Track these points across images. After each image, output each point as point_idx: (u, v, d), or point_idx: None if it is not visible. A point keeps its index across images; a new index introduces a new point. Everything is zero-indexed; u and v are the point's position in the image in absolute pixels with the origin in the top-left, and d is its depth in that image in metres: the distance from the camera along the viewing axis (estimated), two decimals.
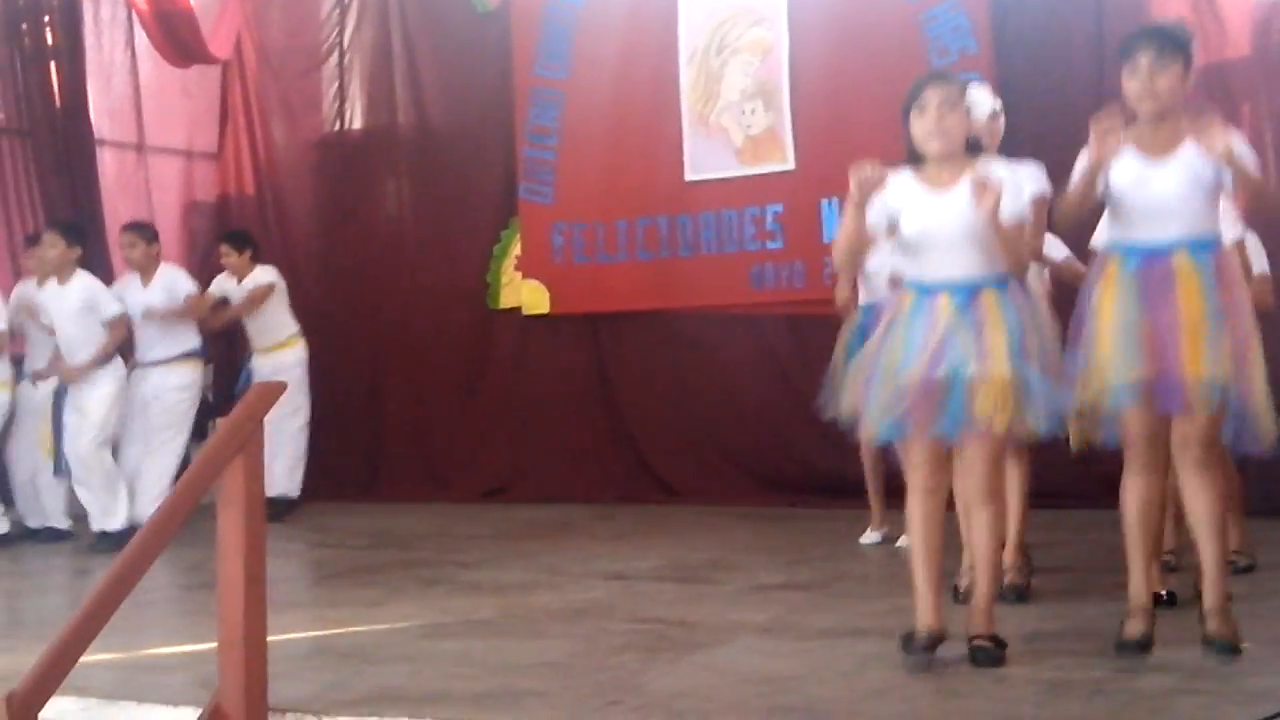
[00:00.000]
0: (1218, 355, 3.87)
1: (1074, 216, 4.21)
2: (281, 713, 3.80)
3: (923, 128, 4.11)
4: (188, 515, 3.81)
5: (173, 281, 7.80)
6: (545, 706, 3.78)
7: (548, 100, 8.78)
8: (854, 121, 7.63)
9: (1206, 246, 3.99)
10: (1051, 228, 4.63)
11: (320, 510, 8.50)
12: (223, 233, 8.80)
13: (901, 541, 6.31)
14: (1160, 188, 4.00)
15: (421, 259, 9.24)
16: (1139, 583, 4.12)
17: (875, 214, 4.19)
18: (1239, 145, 3.95)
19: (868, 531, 6.56)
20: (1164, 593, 4.65)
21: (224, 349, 8.54)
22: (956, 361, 4.02)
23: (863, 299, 6.06)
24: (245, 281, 8.28)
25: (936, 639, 4.08)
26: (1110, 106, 4.08)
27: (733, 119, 8.30)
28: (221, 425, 3.80)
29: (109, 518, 7.34)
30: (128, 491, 7.48)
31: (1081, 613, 4.81)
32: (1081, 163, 4.12)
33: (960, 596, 4.79)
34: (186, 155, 9.47)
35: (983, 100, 4.24)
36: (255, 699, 3.69)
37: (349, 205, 9.49)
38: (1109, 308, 4.01)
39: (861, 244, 4.23)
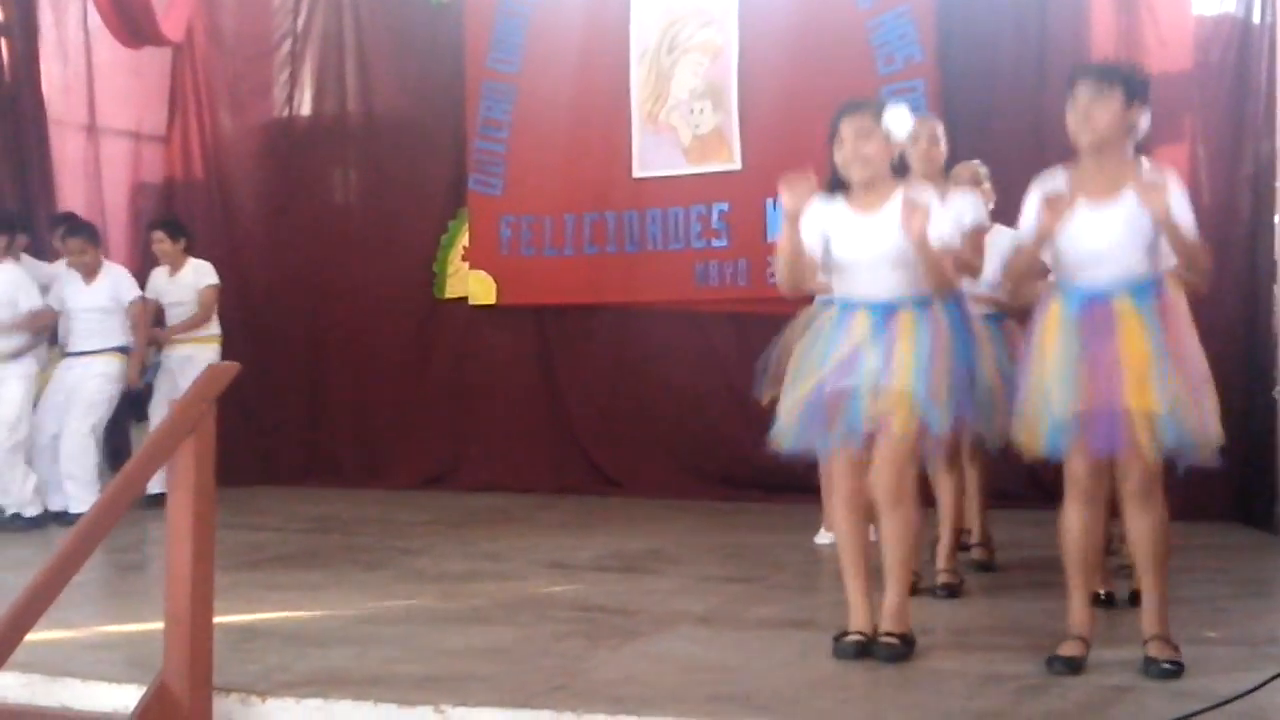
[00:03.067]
0: (1168, 393, 3.86)
1: (1021, 278, 4.25)
2: (225, 693, 3.82)
3: (841, 158, 4.24)
4: (136, 497, 3.84)
5: (116, 284, 7.74)
6: (489, 690, 3.82)
7: (499, 93, 8.81)
8: (800, 124, 7.69)
9: (1148, 288, 3.98)
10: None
11: (261, 495, 8.48)
12: (159, 218, 8.63)
13: (818, 538, 6.50)
14: (1101, 233, 4.00)
15: (368, 247, 9.23)
16: (1077, 609, 4.12)
17: (810, 235, 4.30)
18: (1178, 204, 3.95)
19: (821, 532, 6.63)
20: (1102, 593, 4.77)
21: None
22: (861, 375, 4.14)
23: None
24: (179, 274, 8.13)
25: (868, 640, 4.19)
26: (1054, 171, 4.13)
27: (681, 118, 8.38)
28: (173, 407, 3.83)
29: (25, 506, 7.34)
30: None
31: (1017, 609, 4.92)
32: (1031, 205, 4.14)
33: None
34: (135, 137, 9.38)
35: (901, 121, 4.29)
36: (200, 678, 3.72)
37: (296, 192, 9.45)
38: (1050, 345, 4.05)
39: (798, 259, 4.27)
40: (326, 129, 9.49)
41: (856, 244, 4.24)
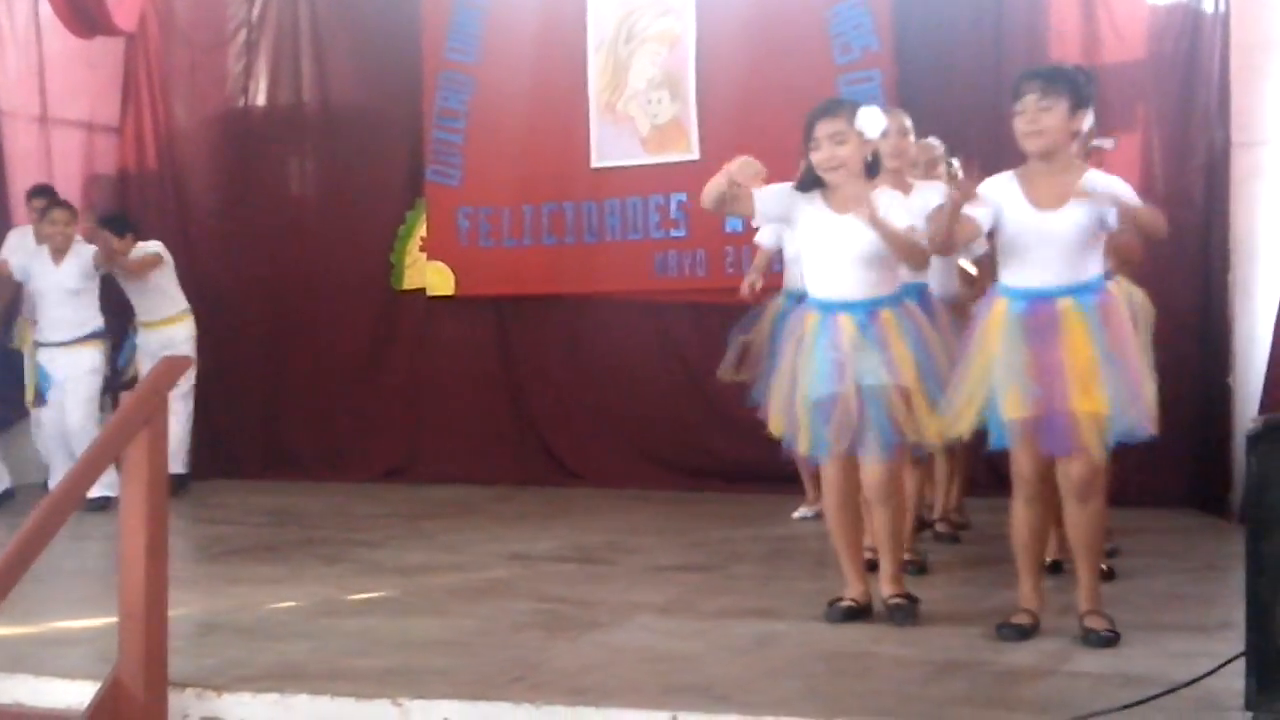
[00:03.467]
0: (1114, 395, 4.01)
1: (942, 241, 4.30)
2: (181, 688, 3.80)
3: (817, 160, 4.39)
4: (88, 490, 3.81)
5: (85, 258, 7.70)
6: (447, 683, 3.82)
7: (456, 84, 8.76)
8: (758, 113, 7.72)
9: (1090, 290, 4.12)
10: None
11: (218, 488, 8.43)
12: (104, 214, 8.53)
13: (797, 512, 6.67)
14: (1045, 236, 4.13)
15: (325, 238, 9.15)
16: (1027, 591, 4.34)
17: (771, 205, 4.48)
18: (1124, 191, 4.12)
19: (801, 508, 6.68)
20: (1048, 560, 4.87)
21: (109, 321, 8.34)
22: (865, 373, 4.31)
23: (786, 284, 6.15)
24: (133, 252, 8.11)
25: (859, 605, 4.51)
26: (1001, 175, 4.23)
27: (639, 107, 8.36)
28: (126, 399, 3.80)
29: None
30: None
31: (975, 595, 4.96)
32: (982, 200, 4.23)
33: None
34: (88, 128, 9.27)
35: (874, 122, 4.38)
36: (155, 673, 3.70)
37: (252, 183, 9.36)
38: (994, 346, 4.17)
39: (720, 196, 4.43)
40: (282, 120, 9.40)
41: (832, 242, 4.40)
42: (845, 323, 4.35)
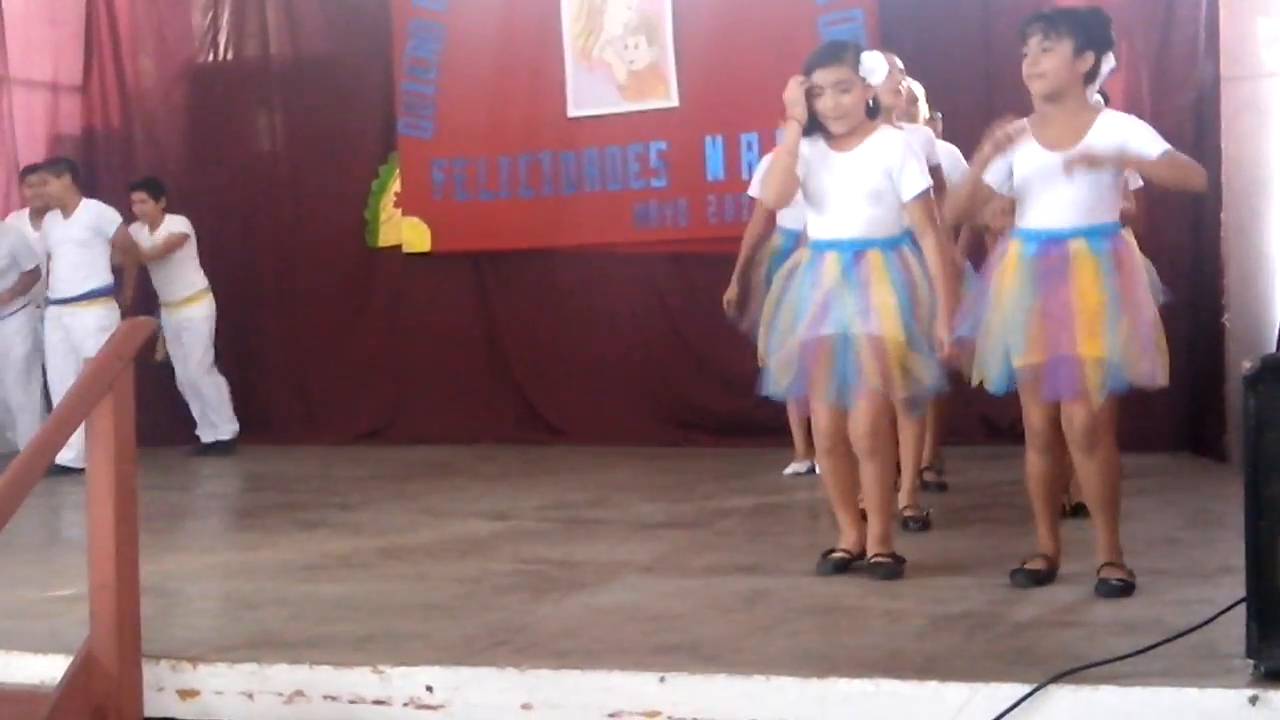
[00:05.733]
0: (1116, 339, 3.93)
1: (963, 209, 4.36)
2: (156, 660, 3.72)
3: (822, 109, 4.30)
4: (52, 458, 3.70)
5: (98, 216, 7.69)
6: (429, 648, 3.73)
7: (427, 33, 8.60)
8: (738, 58, 7.60)
9: (1104, 233, 4.03)
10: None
11: (193, 453, 8.35)
12: (134, 180, 8.55)
13: (789, 469, 6.58)
14: (1052, 178, 4.02)
15: (297, 195, 9.04)
16: (1043, 535, 4.27)
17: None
18: (1141, 139, 3.98)
19: (792, 464, 6.59)
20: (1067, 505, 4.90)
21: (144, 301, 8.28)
22: (843, 322, 4.24)
23: (780, 222, 6.03)
24: (158, 232, 8.20)
25: (851, 555, 4.45)
26: (1006, 119, 4.10)
27: (615, 54, 8.21)
28: (87, 365, 3.71)
29: None
30: None
31: (967, 546, 4.90)
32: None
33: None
34: (52, 87, 9.12)
35: (878, 66, 4.33)
36: (128, 646, 3.62)
37: (221, 140, 9.24)
38: (1006, 288, 4.09)
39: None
40: (250, 74, 9.27)
41: (833, 179, 4.34)
42: (830, 262, 4.30)
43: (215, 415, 8.40)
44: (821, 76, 4.27)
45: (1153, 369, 3.97)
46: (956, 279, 4.35)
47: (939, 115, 6.05)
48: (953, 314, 4.21)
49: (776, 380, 4.40)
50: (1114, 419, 4.08)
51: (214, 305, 8.33)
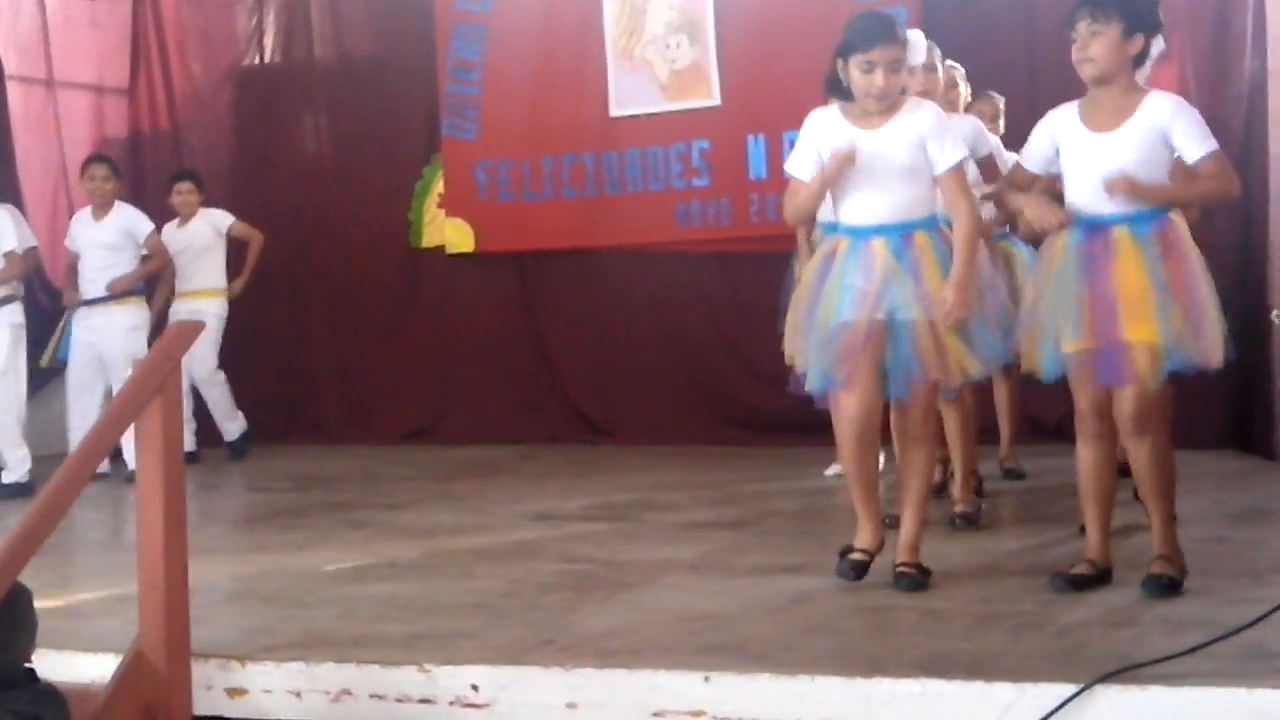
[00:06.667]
0: (1167, 325, 3.87)
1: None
2: (205, 658, 3.74)
3: (866, 85, 4.13)
4: (102, 460, 3.74)
5: (131, 222, 7.64)
6: (476, 647, 3.74)
7: (470, 34, 8.62)
8: (780, 55, 7.57)
9: (1149, 217, 3.97)
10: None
11: (252, 442, 8.38)
12: (178, 170, 8.59)
13: (830, 470, 6.50)
14: (1103, 163, 3.98)
15: (342, 197, 9.08)
16: (1092, 537, 4.19)
17: (805, 155, 4.25)
18: (1185, 129, 3.93)
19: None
20: None
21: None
22: (900, 307, 4.11)
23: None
24: (190, 224, 8.17)
25: (871, 555, 4.27)
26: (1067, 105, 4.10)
27: (657, 53, 8.20)
28: (138, 366, 3.72)
29: (6, 471, 7.15)
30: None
31: (1010, 546, 4.87)
32: (1039, 132, 4.15)
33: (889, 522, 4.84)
34: (97, 90, 9.19)
35: (920, 46, 4.29)
36: (177, 644, 3.64)
37: (266, 142, 9.29)
38: (1053, 274, 4.06)
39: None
40: (296, 77, 9.31)
41: (869, 160, 4.14)
42: (879, 248, 4.14)
43: (223, 416, 8.29)
44: (879, 53, 4.08)
45: (1207, 350, 3.91)
46: (974, 250, 4.21)
47: (994, 95, 5.98)
48: (967, 283, 4.08)
49: (820, 372, 4.19)
50: (1165, 406, 4.03)
51: (227, 308, 8.21)
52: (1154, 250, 3.93)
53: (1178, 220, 4.02)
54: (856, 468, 4.28)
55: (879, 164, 4.14)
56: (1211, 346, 3.93)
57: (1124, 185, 3.90)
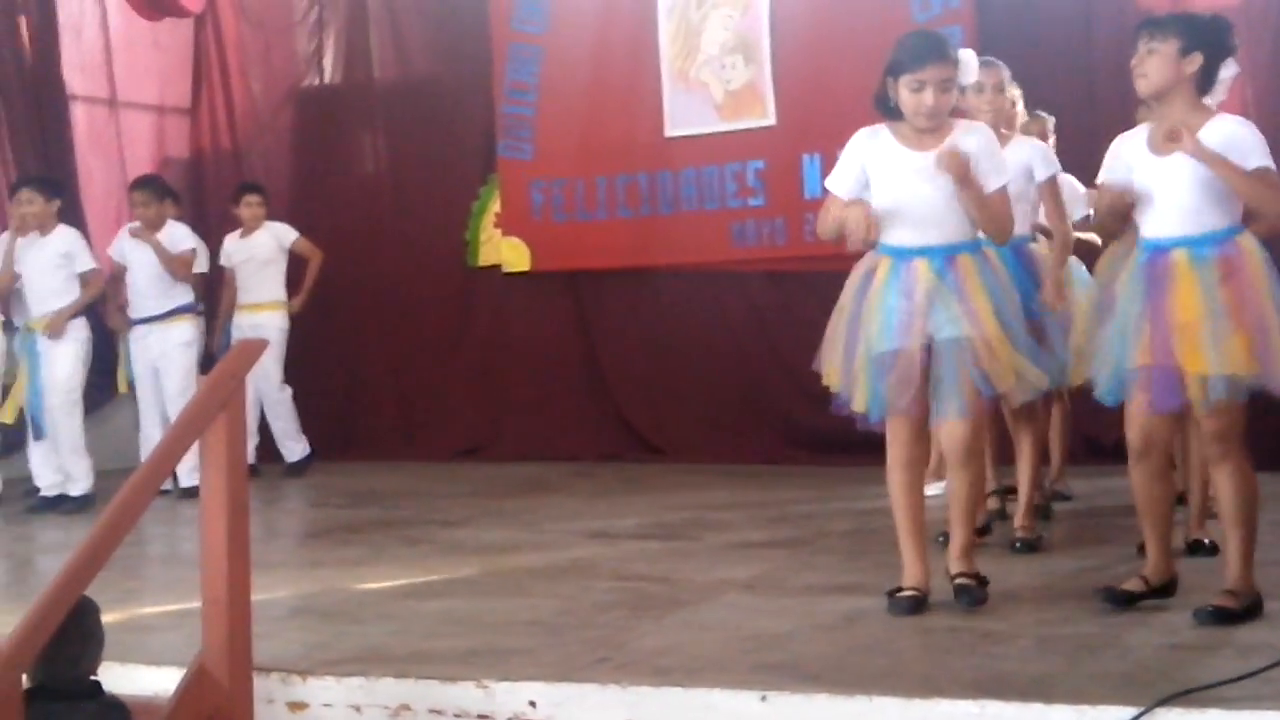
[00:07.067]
0: (1222, 353, 3.82)
1: (1107, 218, 4.23)
2: (266, 673, 3.78)
3: (915, 104, 4.10)
4: (166, 476, 3.78)
5: (174, 239, 7.67)
6: (531, 664, 3.76)
7: (526, 56, 8.69)
8: (835, 75, 7.57)
9: (1210, 241, 3.92)
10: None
11: (309, 466, 8.43)
12: (241, 183, 8.71)
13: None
14: (1160, 185, 3.98)
15: (399, 216, 9.17)
16: (1150, 554, 4.15)
17: (846, 172, 4.25)
18: (1239, 148, 3.88)
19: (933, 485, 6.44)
20: (1206, 540, 4.78)
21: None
22: (947, 327, 4.08)
23: None
24: (252, 236, 8.27)
25: (922, 592, 4.19)
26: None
27: (713, 73, 8.23)
28: (203, 383, 3.77)
29: (71, 483, 7.24)
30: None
31: (1070, 567, 4.83)
32: (1112, 153, 4.14)
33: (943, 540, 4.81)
34: (159, 110, 9.33)
35: (972, 66, 4.18)
36: (239, 658, 3.67)
37: (326, 161, 9.40)
38: (1118, 297, 4.04)
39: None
40: (355, 98, 9.42)
41: (910, 183, 4.13)
42: (922, 268, 4.11)
43: (285, 434, 8.35)
44: (931, 72, 4.06)
45: (1272, 376, 3.85)
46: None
47: (1044, 115, 5.97)
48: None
49: (865, 398, 4.17)
50: (1240, 432, 3.94)
51: (288, 321, 8.29)
52: (1213, 275, 3.87)
53: (1246, 243, 3.94)
54: (904, 498, 4.25)
55: (927, 186, 4.11)
56: (1277, 373, 3.85)
57: (1188, 144, 3.84)
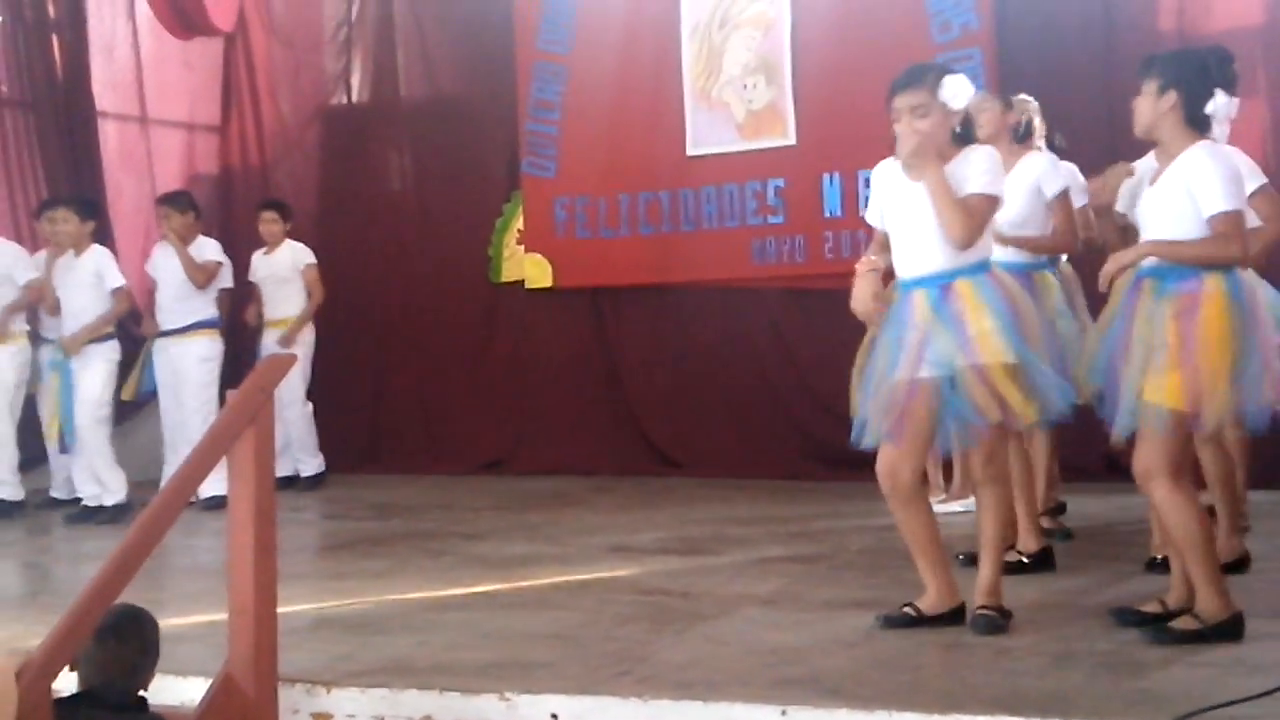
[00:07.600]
0: (1161, 383, 3.84)
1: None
2: (291, 683, 3.82)
3: (898, 134, 4.16)
4: (195, 489, 3.83)
5: (202, 252, 7.74)
6: (554, 677, 3.80)
7: (550, 74, 8.76)
8: (855, 96, 7.60)
9: (1178, 275, 3.92)
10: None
11: (324, 482, 8.50)
12: (263, 200, 8.79)
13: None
14: (1146, 214, 4.07)
15: (424, 232, 9.24)
16: (1173, 577, 4.17)
17: (873, 204, 4.37)
18: (1203, 183, 3.88)
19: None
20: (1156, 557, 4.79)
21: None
22: (944, 361, 4.07)
23: None
24: (275, 254, 8.36)
25: (920, 615, 4.25)
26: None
27: (734, 94, 8.29)
28: (232, 397, 3.82)
29: (106, 494, 7.32)
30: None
31: (1088, 585, 4.85)
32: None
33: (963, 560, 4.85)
34: (188, 128, 9.42)
35: (960, 90, 4.16)
36: (265, 669, 3.71)
37: (352, 178, 9.46)
38: (1105, 317, 4.15)
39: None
40: (381, 116, 9.50)
41: (908, 212, 4.18)
42: (919, 301, 4.13)
43: (302, 448, 8.41)
44: (899, 101, 4.13)
45: (1206, 413, 3.82)
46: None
47: (1026, 98, 5.96)
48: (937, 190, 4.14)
49: (872, 427, 4.18)
50: (1170, 462, 3.89)
51: (314, 334, 8.39)
52: (1168, 309, 3.88)
53: (1212, 282, 3.88)
54: (901, 526, 4.29)
55: (920, 214, 4.14)
56: (1211, 409, 3.82)
57: (1113, 271, 4.00)
